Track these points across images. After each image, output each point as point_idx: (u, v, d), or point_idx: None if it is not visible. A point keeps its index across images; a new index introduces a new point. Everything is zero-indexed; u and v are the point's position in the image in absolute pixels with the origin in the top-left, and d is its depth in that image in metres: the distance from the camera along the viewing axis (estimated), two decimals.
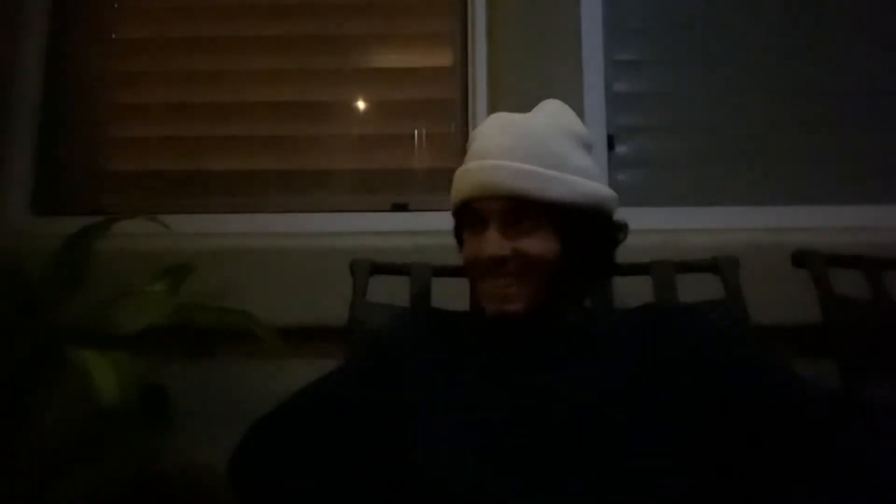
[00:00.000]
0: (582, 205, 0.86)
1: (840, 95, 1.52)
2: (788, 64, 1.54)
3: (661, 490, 0.72)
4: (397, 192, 1.55)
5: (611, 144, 1.50)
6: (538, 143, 0.87)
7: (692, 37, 1.57)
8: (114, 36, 1.67)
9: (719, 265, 1.08)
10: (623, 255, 0.98)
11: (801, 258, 1.14)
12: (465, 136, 1.52)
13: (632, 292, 1.10)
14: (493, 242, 0.84)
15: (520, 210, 0.84)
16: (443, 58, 1.60)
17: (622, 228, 0.93)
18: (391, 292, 1.11)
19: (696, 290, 1.06)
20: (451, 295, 1.09)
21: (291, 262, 1.37)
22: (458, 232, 0.94)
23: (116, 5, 1.68)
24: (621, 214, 0.93)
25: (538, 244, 0.84)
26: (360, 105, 1.62)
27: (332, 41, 1.62)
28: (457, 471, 0.75)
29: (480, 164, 0.87)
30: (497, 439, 0.77)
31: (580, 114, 1.42)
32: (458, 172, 0.91)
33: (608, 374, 0.81)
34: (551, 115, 0.93)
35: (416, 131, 1.59)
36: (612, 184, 1.49)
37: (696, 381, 0.79)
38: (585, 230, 0.87)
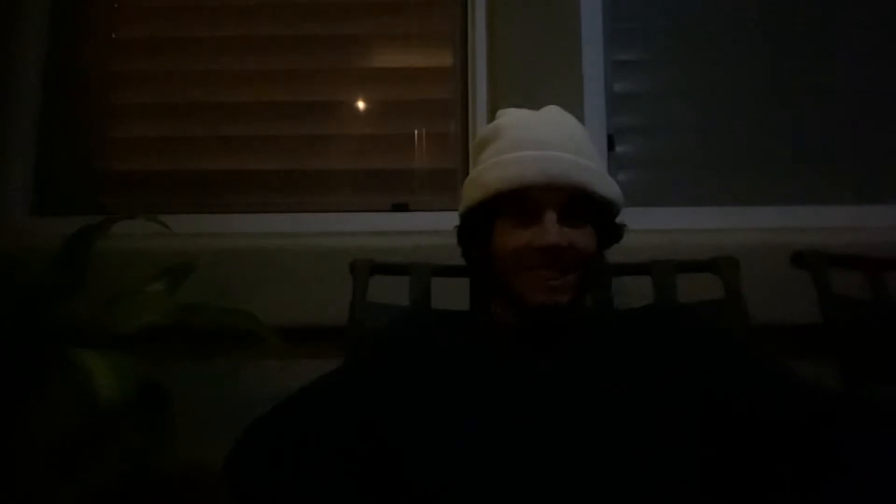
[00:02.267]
0: (617, 204, 0.90)
1: (840, 95, 1.52)
2: (788, 64, 1.54)
3: (659, 490, 0.72)
4: (397, 192, 1.55)
5: (611, 144, 1.50)
6: (586, 142, 0.91)
7: (691, 37, 1.57)
8: (114, 36, 1.67)
9: (719, 265, 1.08)
10: (623, 255, 0.98)
11: (801, 258, 1.14)
12: (466, 136, 1.53)
13: (632, 292, 1.10)
14: (556, 232, 0.83)
15: (575, 203, 0.85)
16: (443, 58, 1.60)
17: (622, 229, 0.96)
18: (391, 292, 1.11)
19: (696, 290, 1.06)
20: (451, 295, 1.09)
21: (291, 262, 1.36)
22: (484, 221, 0.90)
23: (116, 5, 1.67)
24: (621, 214, 0.94)
25: (586, 239, 0.86)
26: (360, 105, 1.62)
27: (332, 41, 1.62)
28: (456, 471, 0.75)
29: (542, 154, 0.85)
30: (496, 440, 0.77)
31: (580, 114, 1.43)
32: (505, 160, 0.87)
33: (608, 375, 0.82)
34: (569, 116, 0.95)
35: (416, 131, 1.58)
36: None
37: (696, 383, 0.79)
38: (613, 229, 0.92)
